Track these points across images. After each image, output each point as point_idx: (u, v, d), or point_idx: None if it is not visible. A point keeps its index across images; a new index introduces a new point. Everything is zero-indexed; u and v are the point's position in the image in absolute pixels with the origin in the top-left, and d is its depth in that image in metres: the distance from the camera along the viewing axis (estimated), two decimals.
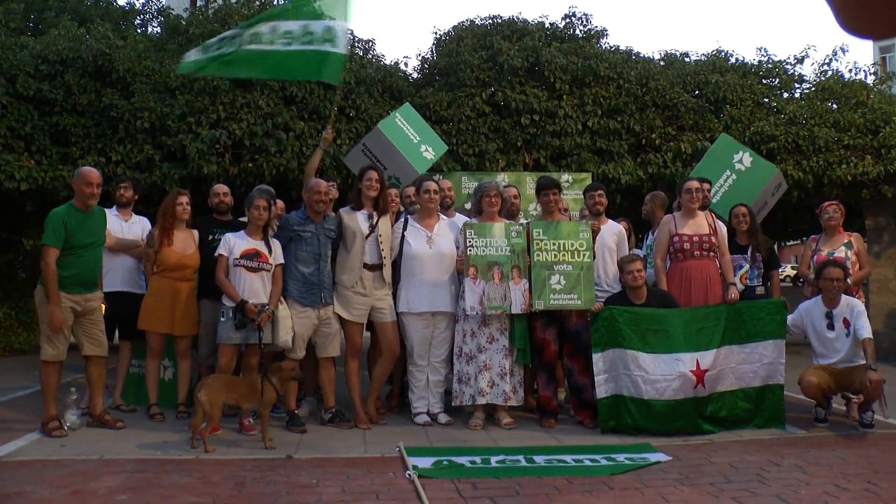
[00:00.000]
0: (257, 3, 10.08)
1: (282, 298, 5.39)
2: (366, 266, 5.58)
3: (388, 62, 10.37)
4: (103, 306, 5.52)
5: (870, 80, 11.29)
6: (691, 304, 5.72)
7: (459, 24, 11.19)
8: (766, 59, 10.99)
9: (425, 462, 4.38)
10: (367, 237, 5.57)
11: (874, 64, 14.08)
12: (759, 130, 9.58)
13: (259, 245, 5.38)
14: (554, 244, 5.56)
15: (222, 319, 5.30)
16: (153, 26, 14.05)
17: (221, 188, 6.35)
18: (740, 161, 7.31)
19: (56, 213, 5.11)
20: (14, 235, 11.96)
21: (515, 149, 9.61)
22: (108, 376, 5.58)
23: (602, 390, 5.35)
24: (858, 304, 5.57)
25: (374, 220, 5.62)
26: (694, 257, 5.90)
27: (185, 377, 5.89)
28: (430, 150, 7.25)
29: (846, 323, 5.49)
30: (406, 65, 10.69)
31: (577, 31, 11.09)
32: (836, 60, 11.16)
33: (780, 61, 10.96)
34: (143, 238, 6.14)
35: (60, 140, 8.68)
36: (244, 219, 5.69)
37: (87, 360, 5.36)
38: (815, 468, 4.37)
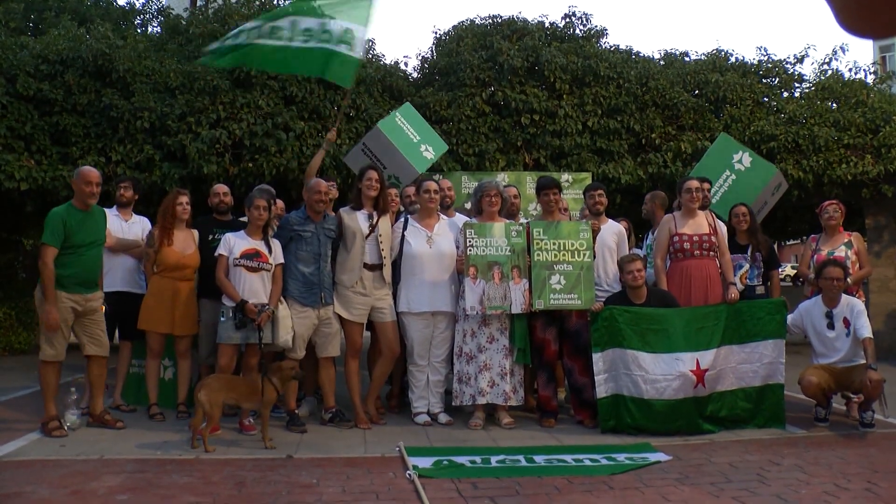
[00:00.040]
0: (257, 2, 10.07)
1: (282, 298, 5.39)
2: (366, 266, 5.58)
3: (388, 62, 10.38)
4: (103, 307, 5.52)
5: (870, 79, 11.28)
6: (691, 304, 5.72)
7: (459, 23, 11.19)
8: (765, 58, 10.99)
9: (425, 462, 4.38)
10: (367, 237, 5.57)
11: (874, 63, 14.06)
12: (759, 130, 9.58)
13: (259, 245, 5.38)
14: (554, 244, 5.56)
15: (222, 319, 5.30)
16: (153, 26, 14.06)
17: (221, 188, 6.35)
18: (740, 161, 7.31)
19: (56, 212, 5.11)
20: (14, 235, 11.97)
21: (515, 148, 9.61)
22: (108, 376, 5.58)
23: (602, 390, 5.35)
24: (858, 304, 5.57)
25: (374, 219, 5.62)
26: (694, 257, 5.90)
27: (185, 377, 5.89)
28: (430, 150, 7.24)
29: (846, 322, 5.49)
30: (406, 64, 10.70)
31: (577, 31, 11.09)
32: (836, 60, 11.18)
33: (779, 61, 10.96)
34: (143, 238, 6.14)
35: (60, 140, 8.68)
36: (244, 219, 5.70)
37: (89, 360, 5.36)
38: (816, 468, 4.37)
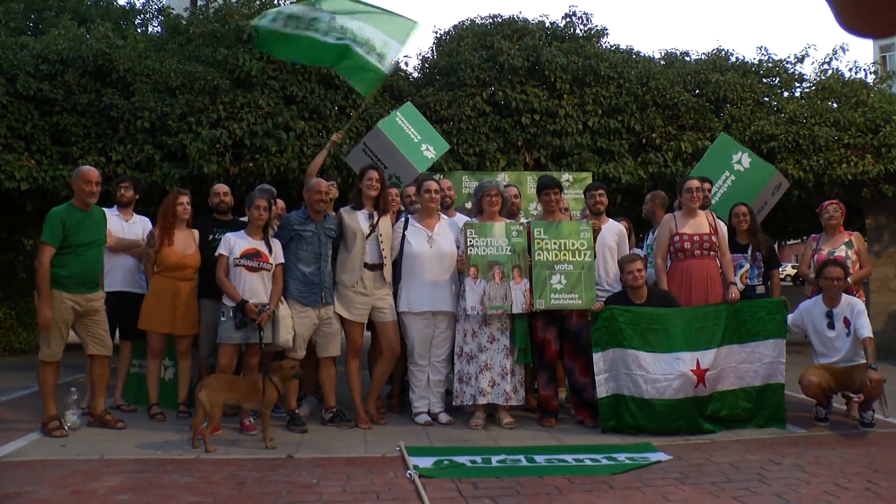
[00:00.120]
0: (257, 2, 10.07)
1: (282, 298, 5.39)
2: (366, 266, 5.58)
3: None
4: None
5: (870, 79, 11.28)
6: (692, 304, 5.72)
7: (460, 23, 11.19)
8: (766, 58, 10.99)
9: (426, 462, 4.38)
10: (367, 237, 5.57)
11: (874, 63, 14.04)
12: (759, 130, 9.57)
13: (259, 245, 5.38)
14: (555, 244, 5.55)
15: (223, 319, 5.31)
16: (153, 26, 14.08)
17: (222, 188, 6.35)
18: (739, 162, 7.31)
19: (55, 211, 5.11)
20: (14, 235, 11.96)
21: (516, 148, 9.61)
22: (108, 376, 5.58)
23: (602, 390, 5.35)
24: (859, 304, 5.57)
25: (375, 219, 5.62)
26: (694, 256, 5.89)
27: (185, 377, 5.89)
28: (430, 149, 7.24)
29: (846, 322, 5.49)
30: (406, 64, 10.69)
31: (578, 31, 11.08)
32: (837, 59, 11.17)
33: (780, 60, 10.96)
34: (143, 238, 6.14)
35: (61, 140, 8.68)
36: (244, 218, 5.70)
37: (91, 360, 5.37)
38: (816, 467, 4.37)
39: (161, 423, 5.56)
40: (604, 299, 5.65)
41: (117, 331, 6.08)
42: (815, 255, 6.36)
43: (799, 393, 5.73)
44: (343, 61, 6.44)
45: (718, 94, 9.97)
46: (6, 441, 4.91)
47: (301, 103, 8.99)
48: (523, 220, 6.33)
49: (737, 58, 10.98)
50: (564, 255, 5.54)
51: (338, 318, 5.56)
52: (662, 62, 10.97)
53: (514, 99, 9.46)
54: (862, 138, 9.59)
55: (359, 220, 5.61)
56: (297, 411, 5.55)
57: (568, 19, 11.14)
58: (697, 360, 5.27)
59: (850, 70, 11.15)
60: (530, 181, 8.24)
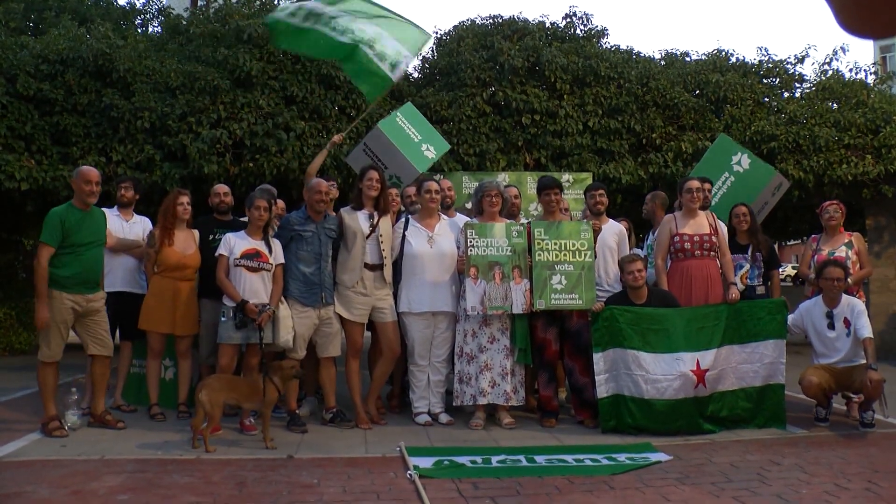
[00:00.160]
0: (257, 2, 10.07)
1: (282, 298, 5.39)
2: (366, 266, 5.58)
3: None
4: None
5: (870, 79, 11.28)
6: (692, 304, 5.72)
7: (460, 23, 11.19)
8: (766, 58, 10.99)
9: (426, 462, 4.38)
10: (367, 237, 5.57)
11: (874, 63, 14.06)
12: (759, 130, 9.57)
13: (259, 245, 5.39)
14: (555, 244, 5.56)
15: (223, 319, 5.31)
16: (153, 26, 14.07)
17: (222, 188, 6.35)
18: (738, 163, 7.30)
19: (54, 211, 5.11)
20: (14, 235, 11.97)
21: (516, 149, 9.61)
22: (109, 376, 5.58)
23: (603, 390, 5.35)
24: (859, 304, 5.57)
25: (375, 219, 5.62)
26: (695, 257, 5.89)
27: (185, 377, 5.89)
28: (431, 149, 7.24)
29: (847, 322, 5.49)
30: (407, 65, 10.68)
31: (578, 31, 11.09)
32: (837, 60, 11.17)
33: (780, 61, 10.96)
34: (143, 238, 6.14)
35: (61, 140, 8.68)
36: (245, 219, 5.70)
37: (92, 360, 5.37)
38: (816, 468, 4.37)
39: (161, 423, 5.56)
40: (604, 299, 5.65)
41: (117, 331, 6.08)
42: (816, 256, 6.36)
43: (799, 393, 5.73)
44: (350, 61, 6.48)
45: (719, 94, 9.97)
46: (6, 441, 4.91)
47: (301, 103, 8.99)
48: (523, 220, 6.34)
49: (737, 58, 10.98)
50: (565, 255, 5.54)
51: (338, 319, 5.56)
52: (662, 62, 10.97)
53: (514, 99, 9.46)
54: (862, 139, 9.59)
55: (359, 220, 5.61)
56: (297, 411, 5.55)
57: (568, 19, 11.14)
58: (698, 361, 5.27)
59: (851, 71, 11.17)
60: (530, 181, 8.24)
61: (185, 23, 10.17)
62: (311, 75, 9.13)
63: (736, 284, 5.92)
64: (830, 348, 5.56)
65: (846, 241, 6.38)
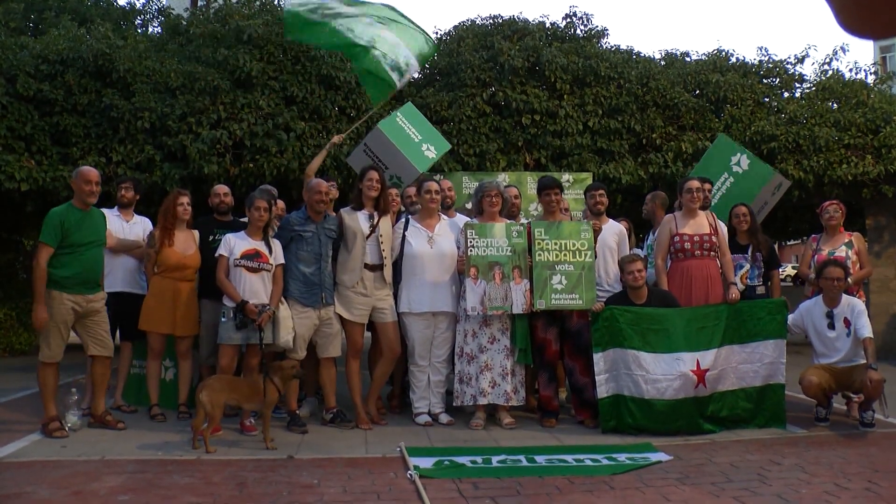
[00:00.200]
0: (258, 3, 10.08)
1: (282, 298, 5.39)
2: (367, 266, 5.58)
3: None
4: None
5: (870, 79, 11.28)
6: (692, 304, 5.72)
7: (460, 24, 11.20)
8: (766, 58, 10.98)
9: (426, 462, 4.38)
10: (367, 237, 5.57)
11: (874, 63, 14.06)
12: (759, 130, 9.57)
13: (259, 245, 5.39)
14: (555, 244, 5.56)
15: (223, 320, 5.31)
16: (153, 26, 14.07)
17: (222, 188, 6.35)
18: (738, 163, 7.31)
19: (54, 211, 5.12)
20: (14, 236, 11.97)
21: (516, 149, 9.61)
22: (109, 377, 5.57)
23: (603, 390, 5.35)
24: (859, 304, 5.57)
25: (375, 220, 5.62)
26: (695, 257, 5.89)
27: (186, 377, 5.89)
28: (431, 149, 7.24)
29: (847, 322, 5.49)
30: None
31: (578, 31, 11.09)
32: (837, 60, 11.19)
33: (780, 61, 10.96)
34: (144, 238, 6.14)
35: (61, 140, 8.68)
36: (245, 219, 5.70)
37: (92, 360, 5.37)
38: (816, 467, 4.37)
39: (161, 423, 5.56)
40: (604, 299, 5.65)
41: (118, 331, 6.08)
42: (816, 256, 6.36)
43: (799, 393, 5.73)
44: (359, 61, 6.58)
45: (719, 94, 9.97)
46: (7, 442, 4.91)
47: (301, 104, 8.99)
48: (524, 220, 6.34)
49: (737, 58, 10.98)
50: (565, 255, 5.54)
51: (338, 319, 5.56)
52: (663, 62, 10.97)
53: (514, 99, 9.46)
54: (862, 139, 9.59)
55: (359, 220, 5.61)
56: (297, 412, 5.55)
57: (568, 20, 11.14)
58: (698, 361, 5.27)
59: (851, 71, 11.17)
60: (530, 181, 8.24)
61: (185, 23, 10.17)
62: (311, 76, 9.13)
63: (736, 284, 5.92)
64: (830, 348, 5.56)
65: (846, 240, 6.38)
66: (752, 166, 7.27)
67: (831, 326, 5.56)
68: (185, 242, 5.82)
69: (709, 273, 5.88)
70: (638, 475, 4.21)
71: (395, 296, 5.73)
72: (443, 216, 5.92)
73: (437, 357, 5.72)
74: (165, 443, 4.91)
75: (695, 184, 5.98)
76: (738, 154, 7.36)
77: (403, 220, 5.90)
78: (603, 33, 11.22)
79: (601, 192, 6.26)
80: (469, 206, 6.68)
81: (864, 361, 5.29)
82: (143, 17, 14.46)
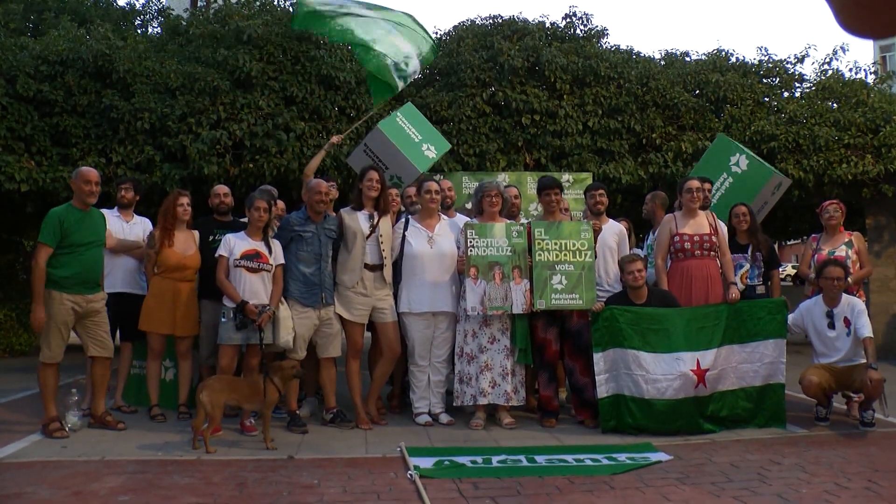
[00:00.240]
0: (257, 3, 10.08)
1: (282, 299, 5.39)
2: (367, 266, 5.58)
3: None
4: None
5: (870, 79, 11.27)
6: (692, 304, 5.72)
7: (460, 24, 11.19)
8: (766, 58, 10.98)
9: (426, 462, 4.38)
10: (367, 237, 5.58)
11: (874, 63, 14.06)
12: (759, 130, 9.57)
13: (259, 246, 5.39)
14: (555, 244, 5.56)
15: (223, 320, 5.31)
16: (153, 27, 14.06)
17: (222, 189, 6.35)
18: (736, 164, 7.30)
19: (53, 212, 5.12)
20: (14, 236, 11.97)
21: (516, 149, 9.61)
22: (109, 377, 5.57)
23: (603, 390, 5.35)
24: (859, 303, 5.57)
25: (375, 220, 5.62)
26: (695, 257, 5.89)
27: (186, 378, 5.89)
28: (432, 149, 7.24)
29: (847, 322, 5.49)
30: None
31: (578, 31, 11.08)
32: (837, 59, 11.17)
33: (780, 61, 10.95)
34: (144, 239, 6.14)
35: (61, 141, 8.68)
36: (244, 219, 5.70)
37: (92, 361, 5.37)
38: (816, 467, 4.37)
39: (162, 424, 5.56)
40: (604, 299, 5.65)
41: (118, 332, 6.08)
42: (816, 255, 6.37)
43: (799, 393, 5.73)
44: (368, 63, 6.69)
45: (718, 94, 9.97)
46: (7, 442, 4.91)
47: (301, 104, 8.99)
48: (523, 220, 6.34)
49: (737, 58, 10.97)
50: (565, 255, 5.54)
51: (338, 319, 5.56)
52: (662, 62, 10.96)
53: (514, 99, 9.46)
54: (862, 138, 9.59)
55: (359, 220, 5.61)
56: (297, 412, 5.55)
57: (568, 20, 11.14)
58: (698, 360, 5.27)
59: (851, 70, 11.16)
60: (530, 181, 8.24)
61: (184, 24, 10.16)
62: (310, 76, 9.12)
63: (736, 284, 5.92)
64: (830, 348, 5.56)
65: (846, 240, 6.38)
66: (750, 167, 7.27)
67: (831, 326, 5.56)
68: (185, 243, 5.82)
69: (709, 273, 5.88)
70: (638, 475, 4.21)
71: (395, 296, 5.73)
72: (443, 216, 5.92)
73: (437, 357, 5.72)
74: (165, 443, 4.91)
75: (695, 183, 5.98)
76: (737, 154, 7.35)
77: (403, 220, 5.90)
78: (603, 33, 11.22)
79: (601, 192, 6.26)
80: (469, 206, 6.68)
81: (864, 361, 5.29)
82: (142, 17, 14.46)
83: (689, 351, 5.28)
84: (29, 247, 12.50)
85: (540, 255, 5.53)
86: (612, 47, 10.91)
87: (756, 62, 10.90)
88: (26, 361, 9.27)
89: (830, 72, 10.86)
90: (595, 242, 5.68)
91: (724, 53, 11.02)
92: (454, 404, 5.77)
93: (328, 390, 5.58)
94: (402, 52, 6.74)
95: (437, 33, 11.18)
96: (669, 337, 5.31)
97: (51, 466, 4.33)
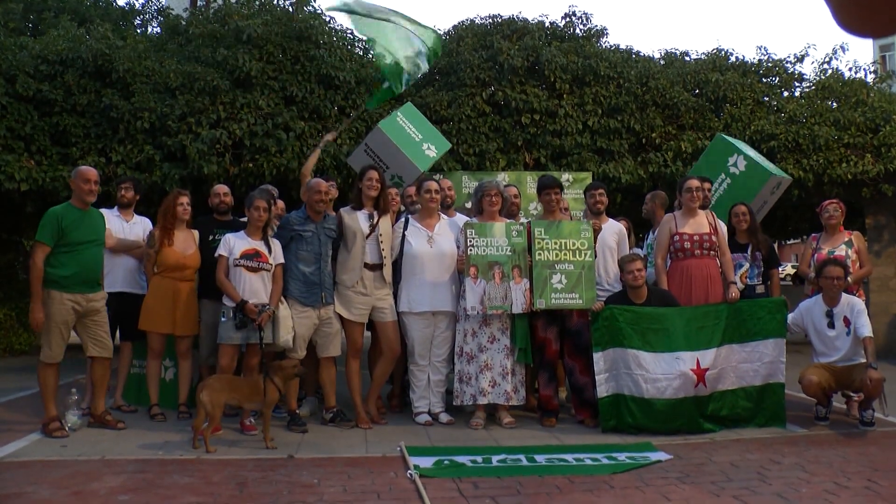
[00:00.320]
0: (257, 3, 10.08)
1: (282, 298, 5.39)
2: (366, 266, 5.58)
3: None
4: None
5: (870, 78, 11.28)
6: (692, 303, 5.72)
7: (459, 23, 11.20)
8: (766, 57, 10.98)
9: (426, 461, 4.38)
10: (367, 237, 5.58)
11: (874, 62, 14.05)
12: (759, 129, 9.58)
13: (259, 245, 5.39)
14: (555, 243, 5.56)
15: (223, 319, 5.31)
16: (153, 26, 14.07)
17: (222, 188, 6.35)
18: (735, 165, 7.29)
19: (52, 211, 5.12)
20: (14, 236, 11.97)
21: (516, 148, 9.61)
22: (109, 377, 5.57)
23: (603, 389, 5.35)
24: (859, 303, 5.57)
25: (375, 219, 5.62)
26: (694, 256, 5.89)
27: (185, 377, 5.89)
28: (432, 148, 7.25)
29: (846, 321, 5.49)
30: None
31: (578, 31, 11.08)
32: (836, 59, 11.16)
33: (780, 60, 10.95)
34: (144, 238, 6.14)
35: (60, 140, 8.69)
36: (244, 219, 5.70)
37: (92, 361, 5.37)
38: (816, 466, 4.38)
39: (162, 423, 5.56)
40: (604, 299, 5.65)
41: (118, 331, 6.08)
42: (815, 255, 6.36)
43: (799, 392, 5.73)
44: (384, 64, 6.89)
45: (718, 93, 9.97)
46: (7, 442, 4.91)
47: (301, 104, 8.99)
48: (523, 219, 6.34)
49: (737, 57, 10.97)
50: (565, 254, 5.54)
51: (338, 318, 5.57)
52: (662, 62, 10.96)
53: (513, 99, 9.46)
54: (862, 138, 9.59)
55: (359, 220, 5.61)
56: (297, 411, 5.55)
57: (568, 19, 11.13)
58: (697, 360, 5.27)
59: (850, 69, 11.17)
60: (530, 181, 8.24)
61: (184, 23, 10.17)
62: (310, 75, 9.13)
63: (736, 283, 5.92)
64: (830, 347, 5.56)
65: (846, 239, 6.38)
66: (748, 168, 7.25)
67: (831, 325, 5.56)
68: (185, 242, 5.82)
69: (708, 272, 5.88)
70: (638, 474, 4.21)
71: (395, 295, 5.73)
72: (442, 216, 5.92)
73: (436, 356, 5.72)
74: (165, 443, 4.92)
75: (694, 183, 5.98)
76: (735, 155, 7.34)
77: (403, 219, 5.90)
78: (602, 33, 11.22)
79: (601, 191, 6.27)
80: (469, 205, 6.68)
81: (864, 360, 5.29)
82: (142, 17, 14.46)
83: (688, 350, 5.29)
84: (29, 246, 12.49)
85: (540, 254, 5.53)
86: (611, 47, 10.91)
87: (756, 62, 10.90)
88: (26, 361, 9.27)
89: (830, 71, 10.86)
90: (595, 242, 5.68)
91: (723, 53, 11.02)
92: (454, 404, 5.77)
93: (328, 390, 5.58)
94: (411, 61, 6.92)
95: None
96: (669, 336, 5.31)
97: (51, 466, 4.33)
